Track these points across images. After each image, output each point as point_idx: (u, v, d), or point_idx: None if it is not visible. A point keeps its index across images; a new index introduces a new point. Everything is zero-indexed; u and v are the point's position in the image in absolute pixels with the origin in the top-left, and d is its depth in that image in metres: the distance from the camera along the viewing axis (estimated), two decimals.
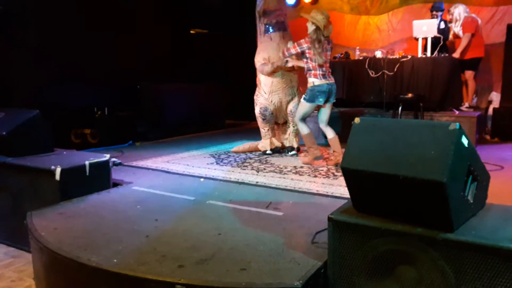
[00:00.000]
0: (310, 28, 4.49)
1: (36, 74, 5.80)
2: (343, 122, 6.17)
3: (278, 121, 5.54)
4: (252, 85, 9.45)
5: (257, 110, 5.39)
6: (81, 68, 6.29)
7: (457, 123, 1.86)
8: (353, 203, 2.24)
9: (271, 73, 5.21)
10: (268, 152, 5.34)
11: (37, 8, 5.77)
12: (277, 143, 5.41)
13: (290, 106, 5.31)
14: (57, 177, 3.26)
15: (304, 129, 4.70)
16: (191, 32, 9.12)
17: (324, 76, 4.52)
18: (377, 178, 2.01)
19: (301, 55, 4.64)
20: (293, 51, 4.61)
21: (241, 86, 9.14)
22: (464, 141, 1.90)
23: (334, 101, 4.71)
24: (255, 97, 5.47)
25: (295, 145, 5.37)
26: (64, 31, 6.05)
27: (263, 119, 5.35)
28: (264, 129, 5.39)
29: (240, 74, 9.33)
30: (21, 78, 5.71)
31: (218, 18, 8.92)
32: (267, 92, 5.31)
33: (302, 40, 4.50)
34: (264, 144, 5.39)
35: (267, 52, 5.25)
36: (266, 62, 5.20)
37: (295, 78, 5.37)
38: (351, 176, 2.17)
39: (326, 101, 4.60)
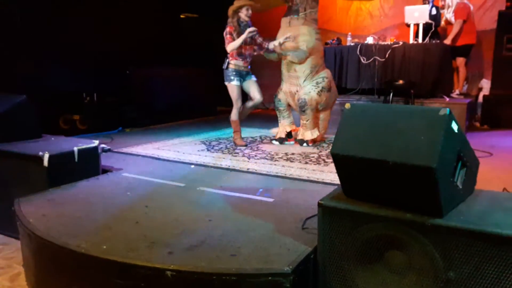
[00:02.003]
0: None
1: (24, 59, 5.69)
2: (334, 108, 6.17)
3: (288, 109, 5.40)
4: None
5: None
6: (69, 53, 6.17)
7: (447, 109, 1.85)
8: (343, 189, 2.24)
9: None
10: (274, 142, 5.30)
11: None
12: (281, 134, 5.30)
13: (295, 99, 5.16)
14: (45, 163, 3.22)
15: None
16: (181, 16, 8.99)
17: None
18: (366, 163, 2.01)
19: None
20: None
21: None
22: (454, 126, 1.90)
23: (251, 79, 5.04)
24: None
25: (306, 138, 5.11)
26: (51, 15, 5.92)
27: (276, 108, 5.37)
28: (278, 117, 5.40)
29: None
30: (8, 63, 5.59)
31: (209, 2, 8.79)
32: (283, 80, 5.28)
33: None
34: (277, 132, 5.39)
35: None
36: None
37: (301, 69, 5.08)
38: (341, 162, 2.16)
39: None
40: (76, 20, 6.22)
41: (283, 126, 5.30)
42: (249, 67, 5.05)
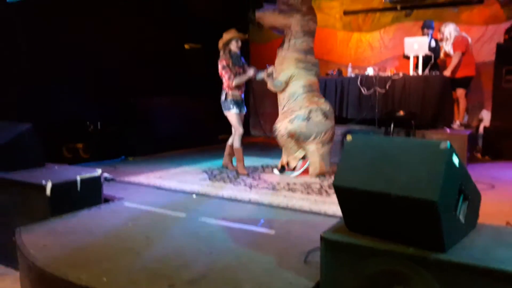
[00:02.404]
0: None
1: (29, 87, 5.77)
2: (336, 138, 6.21)
3: None
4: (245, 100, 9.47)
5: (284, 129, 5.13)
6: (74, 82, 6.26)
7: (448, 142, 1.88)
8: (345, 221, 2.24)
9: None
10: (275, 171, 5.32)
11: (29, 20, 5.76)
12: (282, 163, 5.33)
13: None
14: (48, 192, 3.23)
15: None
16: (186, 47, 9.16)
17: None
18: (369, 196, 2.02)
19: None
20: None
21: None
22: (455, 160, 1.92)
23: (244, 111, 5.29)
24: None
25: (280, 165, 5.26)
26: (57, 43, 6.03)
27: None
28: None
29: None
30: (13, 91, 5.67)
31: (211, 33, 8.98)
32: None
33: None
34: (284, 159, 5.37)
35: None
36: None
37: (281, 97, 5.24)
38: (343, 194, 2.17)
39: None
40: (82, 48, 6.34)
41: (284, 156, 5.34)
42: (243, 95, 5.31)
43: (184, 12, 8.03)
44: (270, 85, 5.17)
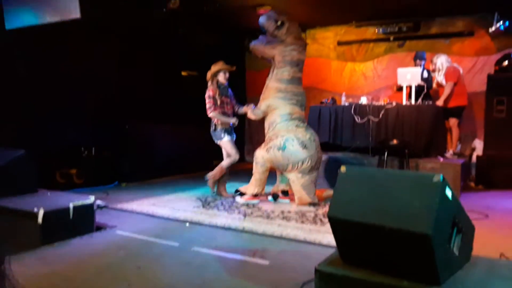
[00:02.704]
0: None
1: (24, 113, 5.78)
2: (330, 166, 6.23)
3: None
4: (239, 127, 9.56)
5: None
6: (70, 108, 6.28)
7: (441, 175, 1.90)
8: (340, 253, 2.23)
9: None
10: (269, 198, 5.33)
11: (27, 48, 5.82)
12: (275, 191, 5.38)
13: None
14: (40, 220, 3.20)
15: None
16: (183, 73, 9.25)
17: None
18: (363, 228, 2.02)
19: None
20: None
21: None
22: (448, 193, 1.93)
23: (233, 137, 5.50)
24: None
25: (244, 190, 5.16)
26: (53, 71, 6.08)
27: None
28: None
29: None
30: (8, 116, 5.68)
31: (207, 61, 9.11)
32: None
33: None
34: (275, 187, 5.46)
35: None
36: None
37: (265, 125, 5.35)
38: (337, 225, 2.17)
39: None
40: (76, 74, 6.38)
41: (278, 184, 5.37)
42: (231, 123, 5.44)
43: (182, 40, 8.15)
44: (249, 114, 5.27)
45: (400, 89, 6.62)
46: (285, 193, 5.29)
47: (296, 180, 4.94)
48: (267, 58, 5.30)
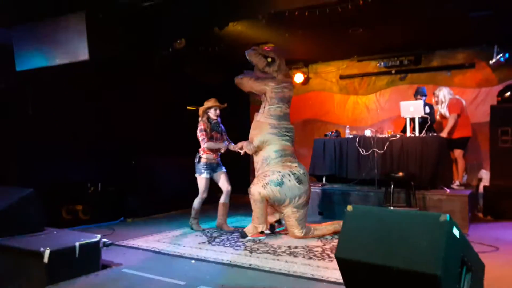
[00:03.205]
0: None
1: (31, 149, 5.85)
2: (335, 199, 6.22)
3: None
4: (245, 160, 9.55)
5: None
6: (76, 144, 6.35)
7: (447, 215, 1.90)
8: None
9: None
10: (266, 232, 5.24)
11: (32, 85, 5.96)
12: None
13: None
14: (46, 259, 3.19)
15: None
16: (188, 108, 9.38)
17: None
18: (371, 268, 2.01)
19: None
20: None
21: (235, 161, 9.26)
22: (456, 232, 1.93)
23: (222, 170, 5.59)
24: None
25: (248, 231, 5.09)
26: (59, 108, 6.20)
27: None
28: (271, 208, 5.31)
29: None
30: (15, 152, 5.76)
31: (213, 96, 9.26)
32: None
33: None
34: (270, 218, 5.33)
35: None
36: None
37: (256, 160, 5.41)
38: (345, 265, 2.16)
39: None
40: (82, 110, 6.49)
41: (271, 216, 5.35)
42: (218, 158, 5.60)
43: (188, 77, 8.32)
44: (245, 148, 5.30)
45: (404, 131, 6.66)
46: (279, 221, 5.37)
47: (291, 215, 4.98)
48: (255, 93, 5.49)
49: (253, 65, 5.51)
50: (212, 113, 5.57)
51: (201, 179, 5.45)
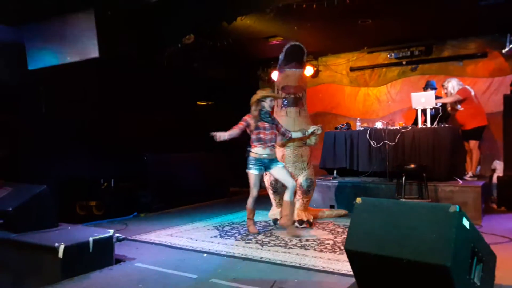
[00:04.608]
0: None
1: (45, 146, 5.94)
2: (347, 192, 6.20)
3: None
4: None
5: (267, 182, 5.48)
6: (88, 140, 6.44)
7: (457, 206, 1.89)
8: (358, 284, 2.22)
9: (282, 145, 5.43)
10: (274, 222, 5.37)
11: (49, 85, 6.04)
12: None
13: (300, 180, 5.39)
14: (60, 254, 3.25)
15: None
16: (198, 103, 9.43)
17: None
18: (380, 260, 2.01)
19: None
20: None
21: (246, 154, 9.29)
22: (466, 223, 1.92)
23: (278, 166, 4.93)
24: None
25: (305, 218, 5.27)
26: (72, 105, 6.28)
27: (274, 191, 5.45)
28: (274, 200, 5.52)
29: (244, 142, 9.53)
30: (29, 150, 5.86)
31: (222, 91, 9.30)
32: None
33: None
34: (275, 212, 5.47)
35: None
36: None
37: (306, 152, 5.51)
38: (355, 257, 2.17)
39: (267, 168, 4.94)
40: (95, 106, 6.56)
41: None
42: (272, 153, 4.95)
43: (198, 72, 8.35)
44: (313, 141, 5.51)
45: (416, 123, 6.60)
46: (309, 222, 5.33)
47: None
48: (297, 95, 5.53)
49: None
50: (268, 103, 4.98)
51: (250, 175, 4.91)
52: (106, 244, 3.63)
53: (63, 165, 6.06)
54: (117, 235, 3.82)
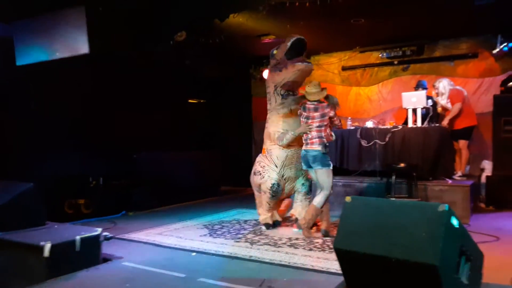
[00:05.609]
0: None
1: (32, 143, 5.87)
2: (337, 191, 6.19)
3: (283, 195, 5.24)
4: (246, 152, 9.53)
5: (267, 185, 4.95)
6: (77, 138, 6.37)
7: (446, 205, 1.88)
8: (347, 283, 2.20)
9: (290, 143, 4.95)
10: (266, 227, 5.07)
11: (34, 80, 5.96)
12: (278, 217, 5.24)
13: (303, 180, 5.22)
14: (46, 253, 3.20)
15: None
16: (189, 101, 9.38)
17: (305, 142, 4.68)
18: (370, 259, 2.00)
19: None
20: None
21: (237, 153, 9.27)
22: (454, 222, 1.91)
23: (320, 167, 4.56)
24: (259, 168, 5.12)
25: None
26: (61, 102, 6.20)
27: (273, 196, 4.96)
28: (269, 204, 5.04)
29: (235, 140, 9.51)
30: (17, 146, 5.78)
31: (215, 89, 9.27)
32: (278, 166, 5.03)
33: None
34: (266, 217, 5.11)
35: (284, 121, 5.06)
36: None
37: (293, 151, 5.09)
38: (344, 256, 2.15)
39: (309, 167, 4.67)
40: (85, 105, 6.49)
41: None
42: (315, 152, 4.58)
43: (189, 70, 8.30)
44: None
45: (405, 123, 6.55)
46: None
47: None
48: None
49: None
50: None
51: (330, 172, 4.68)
52: (93, 243, 3.58)
53: (52, 162, 5.98)
54: (105, 233, 3.78)
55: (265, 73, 7.49)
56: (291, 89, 5.15)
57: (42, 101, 6.05)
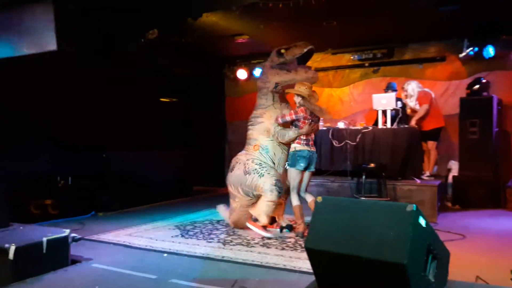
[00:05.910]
0: (298, 99, 4.82)
1: None
2: (309, 190, 6.24)
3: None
4: (220, 152, 9.47)
5: (270, 183, 4.59)
6: (45, 136, 6.17)
7: (414, 205, 1.93)
8: (318, 282, 2.23)
9: (289, 141, 4.83)
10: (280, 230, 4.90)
11: (2, 74, 5.74)
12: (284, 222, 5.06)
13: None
14: (11, 255, 3.09)
15: (294, 200, 4.65)
16: (161, 100, 9.26)
17: (306, 143, 4.71)
18: (340, 259, 2.02)
19: (291, 123, 4.79)
20: (288, 118, 4.73)
21: (210, 153, 9.22)
22: (422, 221, 1.96)
23: (314, 170, 4.81)
24: (255, 166, 4.77)
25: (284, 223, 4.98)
26: (27, 99, 5.99)
27: (279, 192, 4.62)
28: (273, 204, 4.65)
29: (208, 140, 9.45)
30: None
31: (187, 87, 9.18)
32: (276, 163, 4.91)
33: (298, 109, 4.73)
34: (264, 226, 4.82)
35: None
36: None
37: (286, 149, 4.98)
38: (315, 256, 2.17)
39: (306, 168, 4.69)
40: (52, 99, 6.28)
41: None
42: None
43: (161, 69, 8.19)
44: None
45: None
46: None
47: (238, 203, 4.98)
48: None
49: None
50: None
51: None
52: (61, 245, 3.49)
53: (17, 161, 5.77)
54: (73, 235, 3.68)
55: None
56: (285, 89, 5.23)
57: (6, 98, 5.83)
